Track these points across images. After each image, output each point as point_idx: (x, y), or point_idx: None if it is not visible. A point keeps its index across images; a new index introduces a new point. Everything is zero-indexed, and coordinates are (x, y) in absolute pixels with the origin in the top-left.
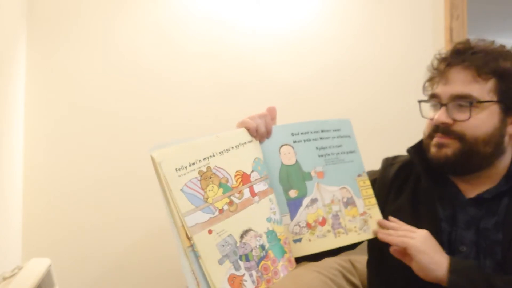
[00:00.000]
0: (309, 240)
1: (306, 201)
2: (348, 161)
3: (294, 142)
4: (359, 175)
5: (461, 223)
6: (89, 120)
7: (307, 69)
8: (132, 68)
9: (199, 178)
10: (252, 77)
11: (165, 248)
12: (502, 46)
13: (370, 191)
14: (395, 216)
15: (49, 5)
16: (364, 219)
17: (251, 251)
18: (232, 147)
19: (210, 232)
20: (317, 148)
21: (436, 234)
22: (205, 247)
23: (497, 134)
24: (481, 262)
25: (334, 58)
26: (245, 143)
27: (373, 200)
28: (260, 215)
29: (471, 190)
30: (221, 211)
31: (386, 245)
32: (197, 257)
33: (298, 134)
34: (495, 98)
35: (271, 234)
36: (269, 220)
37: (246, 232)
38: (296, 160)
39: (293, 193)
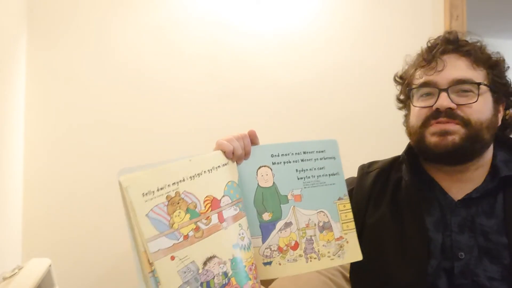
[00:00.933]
0: (279, 264)
1: (279, 224)
2: (330, 184)
3: (273, 163)
4: (340, 198)
5: (454, 227)
6: (89, 121)
7: (307, 70)
8: (133, 68)
9: (166, 203)
10: (252, 79)
11: None
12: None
13: (350, 215)
14: (376, 229)
15: (49, 5)
16: (340, 244)
17: (213, 278)
18: (205, 171)
19: (172, 258)
20: (297, 170)
21: (424, 243)
22: (165, 273)
23: (494, 120)
24: (486, 267)
25: (334, 59)
26: (219, 166)
27: (352, 225)
28: (227, 242)
29: (458, 190)
30: (186, 237)
31: (375, 252)
32: (156, 283)
33: (278, 155)
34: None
35: (235, 261)
36: (235, 246)
37: (210, 259)
38: (274, 183)
39: (266, 216)
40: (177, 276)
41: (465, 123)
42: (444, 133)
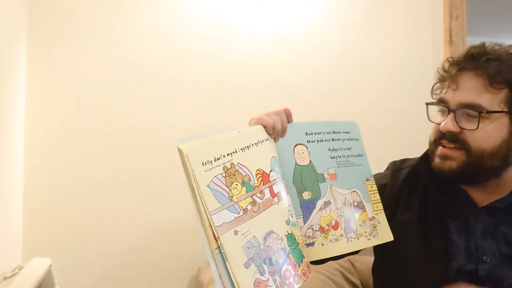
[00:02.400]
0: (322, 244)
1: (319, 203)
2: (358, 165)
3: (308, 142)
4: (367, 179)
5: (478, 232)
6: (89, 119)
7: (306, 69)
8: (133, 67)
9: (224, 175)
10: (252, 78)
11: (166, 248)
12: None
13: (377, 196)
14: (402, 231)
15: (49, 5)
16: (373, 224)
17: (274, 254)
18: (252, 144)
19: (236, 232)
20: (329, 149)
21: (446, 245)
22: (231, 249)
23: (505, 146)
24: (507, 273)
25: (334, 59)
26: (262, 140)
27: (380, 205)
28: (280, 217)
29: (483, 198)
30: (245, 211)
31: (398, 252)
32: (224, 259)
33: (312, 134)
34: (506, 109)
35: (290, 237)
36: (288, 222)
37: (268, 234)
38: (310, 161)
39: (306, 195)
40: (242, 252)
41: (466, 148)
42: (444, 157)
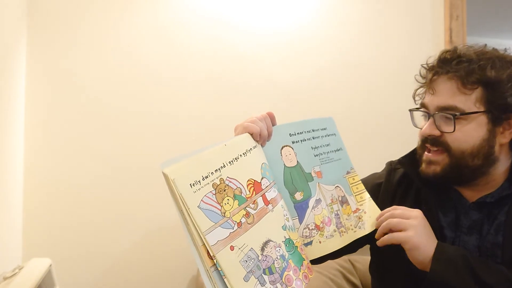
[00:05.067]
0: (319, 242)
1: (311, 202)
2: (337, 159)
3: (293, 142)
4: (348, 172)
5: (464, 228)
6: (89, 119)
7: (306, 68)
8: (133, 67)
9: (214, 192)
10: (251, 76)
11: (166, 247)
12: (495, 50)
13: (361, 187)
14: None
15: (50, 5)
16: (358, 216)
17: (273, 263)
18: (241, 155)
19: (232, 248)
20: (312, 147)
21: (439, 239)
22: (229, 265)
23: (485, 145)
24: None
25: (334, 58)
26: (250, 149)
27: (365, 195)
28: (276, 224)
29: (473, 195)
30: (239, 224)
31: (388, 249)
32: (221, 276)
33: (295, 134)
34: (482, 109)
35: (288, 242)
36: (284, 228)
37: (266, 243)
38: (297, 161)
39: (298, 196)
40: (239, 266)
41: (447, 150)
42: (429, 162)
